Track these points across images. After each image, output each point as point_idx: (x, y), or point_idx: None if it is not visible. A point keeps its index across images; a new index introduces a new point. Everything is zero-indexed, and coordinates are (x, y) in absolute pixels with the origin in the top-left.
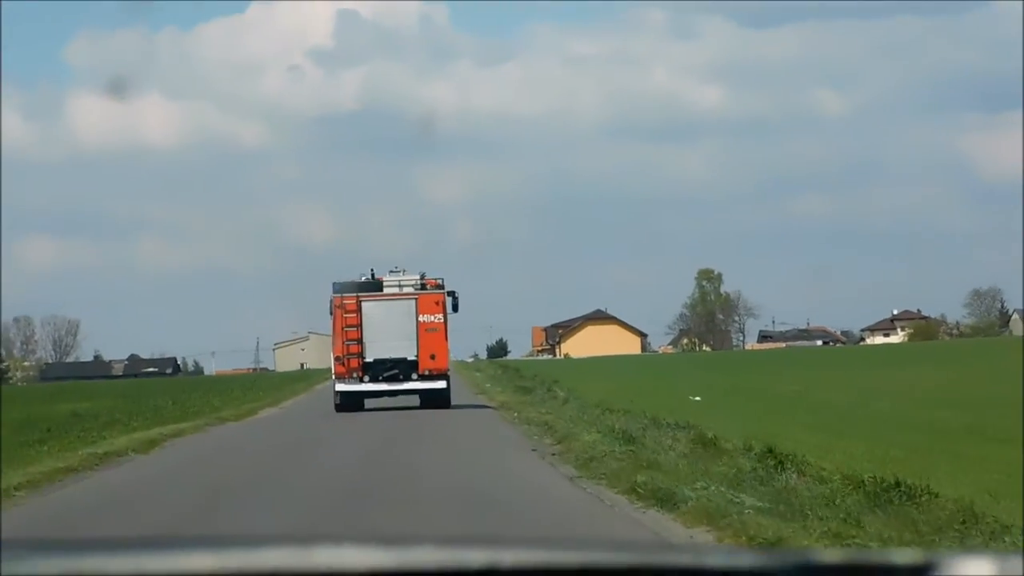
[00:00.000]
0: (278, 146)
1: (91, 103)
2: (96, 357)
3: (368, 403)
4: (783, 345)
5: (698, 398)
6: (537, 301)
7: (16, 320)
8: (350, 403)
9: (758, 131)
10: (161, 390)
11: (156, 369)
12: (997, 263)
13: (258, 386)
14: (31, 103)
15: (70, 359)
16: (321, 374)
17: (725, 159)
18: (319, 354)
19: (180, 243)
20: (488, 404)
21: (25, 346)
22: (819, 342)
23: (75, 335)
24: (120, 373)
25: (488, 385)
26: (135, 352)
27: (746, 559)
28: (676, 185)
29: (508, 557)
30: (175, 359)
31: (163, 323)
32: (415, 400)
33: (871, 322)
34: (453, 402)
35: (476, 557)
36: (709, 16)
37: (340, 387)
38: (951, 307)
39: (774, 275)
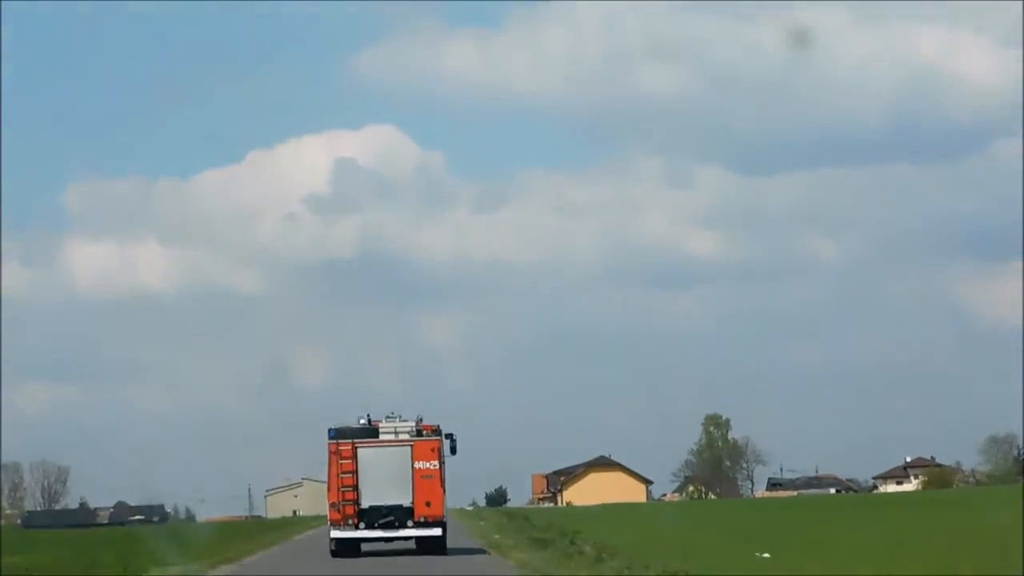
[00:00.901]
0: (274, 292)
1: (88, 249)
2: (82, 504)
3: (365, 548)
4: (794, 493)
5: (767, 555)
6: (536, 447)
7: (4, 467)
8: (345, 549)
9: (754, 277)
10: (109, 542)
11: (143, 517)
12: (1005, 407)
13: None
14: (28, 249)
15: (59, 507)
16: (308, 522)
17: (721, 304)
18: (313, 500)
19: (175, 389)
20: (505, 566)
21: (13, 493)
22: (832, 490)
23: (64, 482)
24: (106, 521)
25: (497, 537)
26: (122, 499)
27: None
28: (673, 331)
29: None
30: (162, 506)
31: (155, 470)
32: (411, 545)
33: (883, 469)
34: (460, 564)
35: None
36: (705, 164)
37: (335, 533)
38: (966, 454)
39: (779, 421)
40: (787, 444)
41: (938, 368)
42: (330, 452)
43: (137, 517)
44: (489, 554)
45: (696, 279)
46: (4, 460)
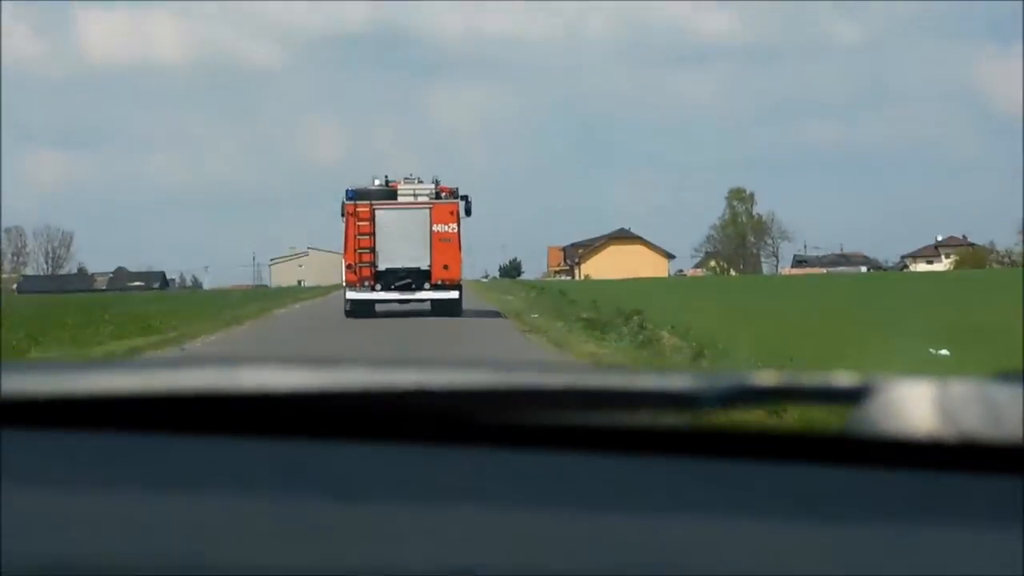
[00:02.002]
0: (286, 64)
1: (99, 17)
2: (80, 270)
3: (379, 309)
4: (822, 271)
5: (944, 352)
6: (552, 221)
7: (7, 231)
8: (361, 310)
9: (771, 55)
10: (85, 307)
11: (142, 284)
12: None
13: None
14: (38, 17)
15: (63, 272)
16: (311, 292)
17: (738, 82)
18: (318, 270)
19: (185, 160)
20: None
21: (16, 258)
22: (863, 268)
23: (68, 247)
24: (103, 287)
25: (536, 317)
26: (123, 265)
27: (679, 380)
28: (689, 108)
29: (438, 379)
30: (163, 273)
31: (160, 239)
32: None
33: (911, 248)
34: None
35: (405, 379)
36: None
37: (351, 295)
38: (1001, 235)
39: (801, 199)
40: (810, 222)
41: (967, 150)
42: (347, 213)
43: (136, 284)
44: (527, 337)
45: (711, 56)
46: (7, 224)
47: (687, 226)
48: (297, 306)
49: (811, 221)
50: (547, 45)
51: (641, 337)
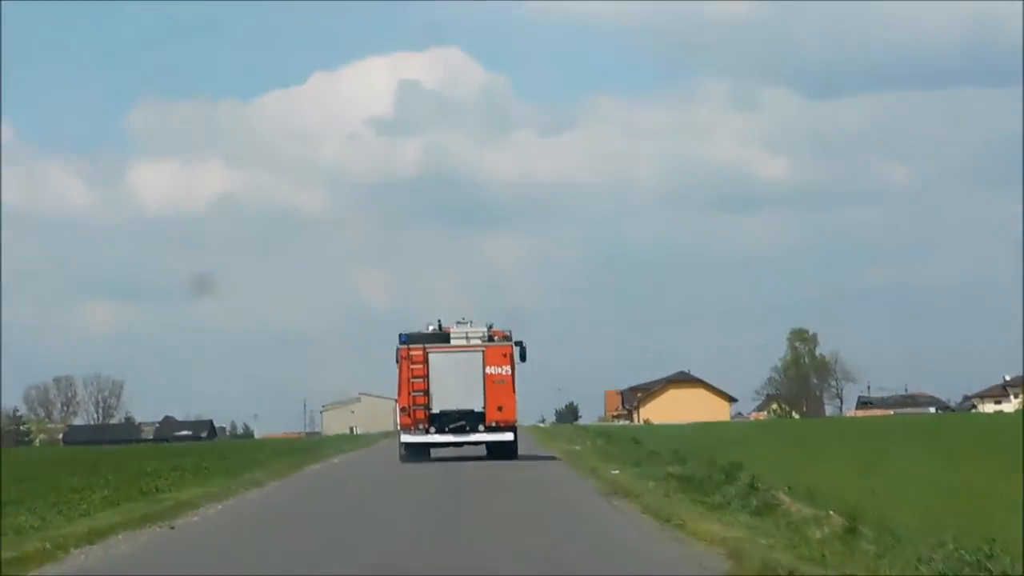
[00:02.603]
0: (337, 213)
1: (152, 170)
2: (128, 419)
3: (434, 453)
4: (889, 412)
5: None
6: (608, 365)
7: (57, 380)
8: (415, 454)
9: (824, 200)
10: (115, 461)
11: (190, 432)
12: None
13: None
14: (93, 169)
15: (114, 421)
16: (354, 442)
17: (792, 227)
18: (372, 416)
19: (237, 307)
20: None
21: (66, 407)
22: (932, 409)
23: (119, 396)
24: (151, 436)
25: (616, 473)
26: (171, 414)
27: None
28: (743, 253)
29: None
30: (211, 422)
31: (209, 386)
32: (481, 450)
33: (977, 388)
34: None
35: None
36: (772, 87)
37: (405, 438)
38: None
39: (860, 341)
40: (871, 363)
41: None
42: (401, 357)
43: (183, 433)
44: (612, 505)
45: (764, 202)
46: (57, 374)
47: (746, 368)
48: (337, 460)
49: (873, 362)
50: (598, 190)
51: (756, 502)
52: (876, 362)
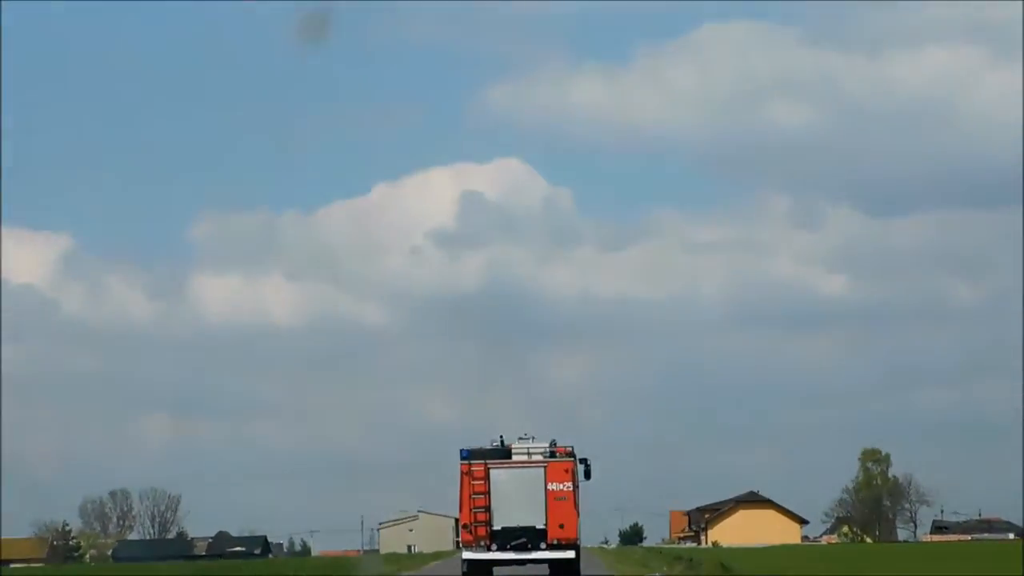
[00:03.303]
0: (398, 328)
1: (214, 283)
2: (180, 535)
3: (496, 572)
4: (967, 538)
5: None
6: (672, 485)
7: (112, 494)
8: (477, 571)
9: (886, 319)
10: None
11: (244, 549)
12: None
13: None
14: (155, 282)
15: (171, 536)
16: (409, 561)
17: (854, 346)
18: (430, 534)
19: (296, 423)
20: None
21: (122, 521)
22: (1011, 535)
23: (175, 510)
24: (203, 552)
25: None
26: (225, 530)
27: None
28: (807, 372)
29: None
30: (265, 537)
31: (270, 504)
32: (544, 569)
33: None
34: None
35: None
36: (834, 205)
37: (467, 555)
38: None
39: (928, 463)
40: (944, 486)
41: None
42: (462, 473)
43: (237, 548)
44: None
45: (825, 320)
46: (111, 487)
47: (815, 490)
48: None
49: (944, 485)
50: (661, 306)
51: None
52: (946, 486)
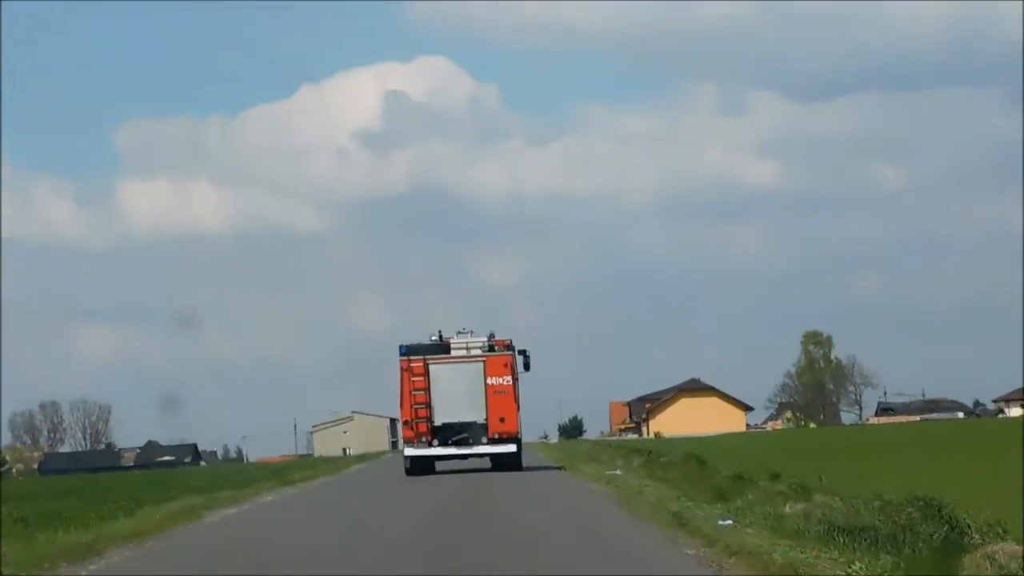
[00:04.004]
0: (326, 230)
1: (141, 190)
2: (108, 445)
3: (439, 467)
4: (917, 419)
5: None
6: (609, 377)
7: (43, 406)
8: (420, 467)
9: (816, 205)
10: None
11: (173, 458)
12: None
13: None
14: (82, 191)
15: (101, 448)
16: (327, 467)
17: (785, 233)
18: (365, 436)
19: (230, 329)
20: None
21: (53, 434)
22: (960, 414)
23: (107, 421)
24: (131, 463)
25: (734, 527)
26: (153, 439)
27: None
28: (737, 261)
29: None
30: (194, 446)
31: (202, 411)
32: (486, 463)
33: (996, 392)
34: None
35: None
36: (759, 92)
37: (409, 451)
38: None
39: (864, 347)
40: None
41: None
42: (401, 369)
43: (166, 458)
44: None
45: (755, 208)
46: (44, 399)
47: (756, 375)
48: (292, 490)
49: (884, 366)
50: (590, 201)
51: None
52: (887, 367)
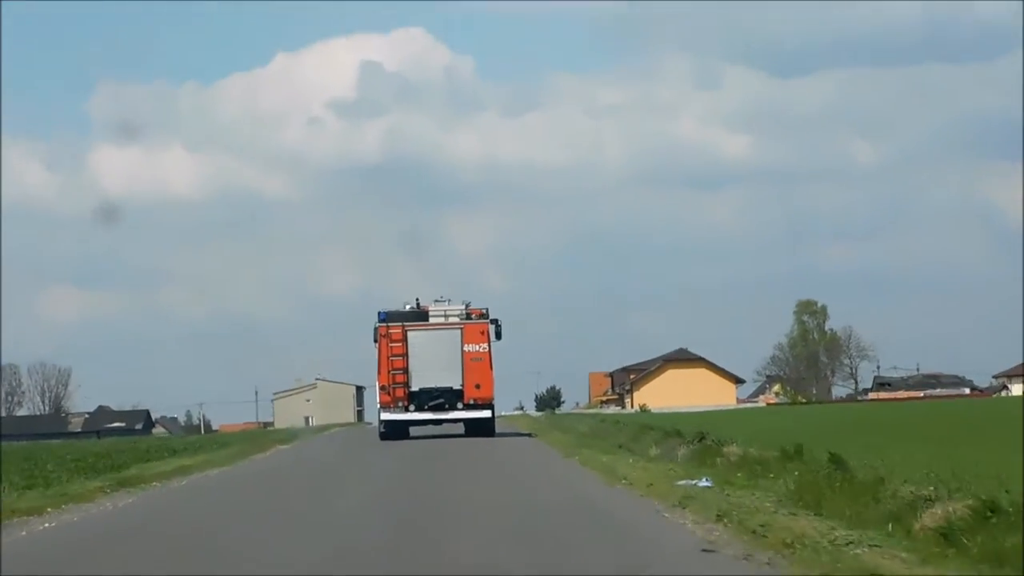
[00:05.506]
0: (299, 197)
1: (113, 155)
2: (58, 410)
3: (413, 431)
4: (920, 394)
5: None
6: (587, 348)
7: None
8: (395, 432)
9: (789, 178)
10: None
11: (123, 424)
12: None
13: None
14: (53, 154)
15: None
16: (277, 437)
17: (758, 206)
18: (328, 405)
19: (200, 294)
20: None
21: (11, 397)
22: (966, 390)
23: (66, 385)
24: (78, 429)
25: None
26: (105, 404)
27: None
28: (713, 232)
29: None
30: (147, 412)
31: (164, 375)
32: (460, 428)
33: (995, 368)
34: None
35: None
36: (733, 65)
37: (385, 415)
38: None
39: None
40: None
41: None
42: (380, 335)
43: (116, 424)
44: None
45: (729, 181)
46: (7, 361)
47: (746, 347)
48: (215, 472)
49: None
50: (565, 173)
51: None
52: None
